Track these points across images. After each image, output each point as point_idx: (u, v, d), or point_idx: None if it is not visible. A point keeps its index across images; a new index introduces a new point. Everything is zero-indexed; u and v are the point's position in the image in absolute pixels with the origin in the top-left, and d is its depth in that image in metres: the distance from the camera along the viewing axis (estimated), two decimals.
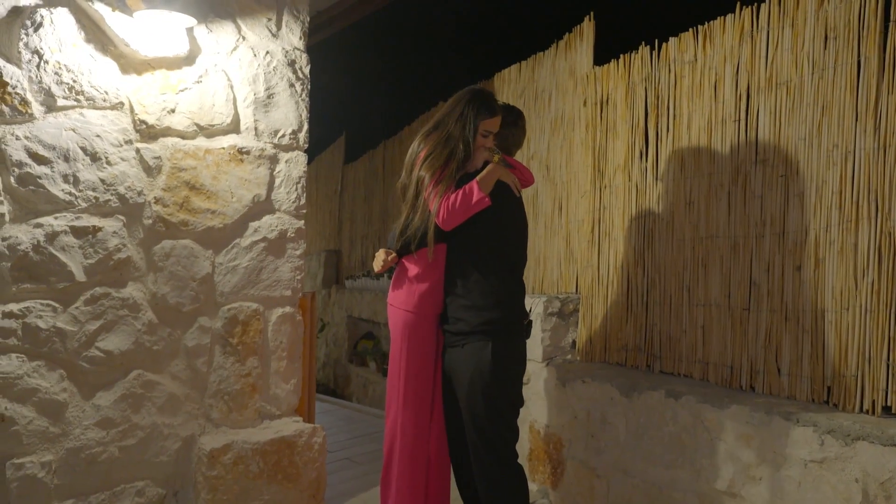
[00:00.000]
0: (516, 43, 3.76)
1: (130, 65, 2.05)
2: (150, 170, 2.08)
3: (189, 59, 2.18)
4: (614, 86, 2.88)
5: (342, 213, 6.91)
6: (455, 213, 1.96)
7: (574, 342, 2.96)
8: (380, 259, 2.16)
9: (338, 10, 4.08)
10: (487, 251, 2.02)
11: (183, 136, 2.16)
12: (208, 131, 2.22)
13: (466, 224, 1.99)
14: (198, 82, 2.19)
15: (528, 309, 2.19)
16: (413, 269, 2.12)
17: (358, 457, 3.44)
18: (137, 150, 2.06)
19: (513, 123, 2.21)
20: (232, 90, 2.28)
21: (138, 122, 2.06)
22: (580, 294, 3.00)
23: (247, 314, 2.27)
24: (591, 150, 2.98)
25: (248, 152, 2.29)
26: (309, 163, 8.28)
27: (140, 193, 2.05)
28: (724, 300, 2.32)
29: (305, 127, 2.47)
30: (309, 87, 2.50)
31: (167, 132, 2.12)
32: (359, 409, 4.66)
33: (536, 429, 2.86)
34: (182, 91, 2.15)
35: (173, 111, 2.13)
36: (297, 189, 2.43)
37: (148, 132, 2.08)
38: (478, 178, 1.99)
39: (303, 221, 2.44)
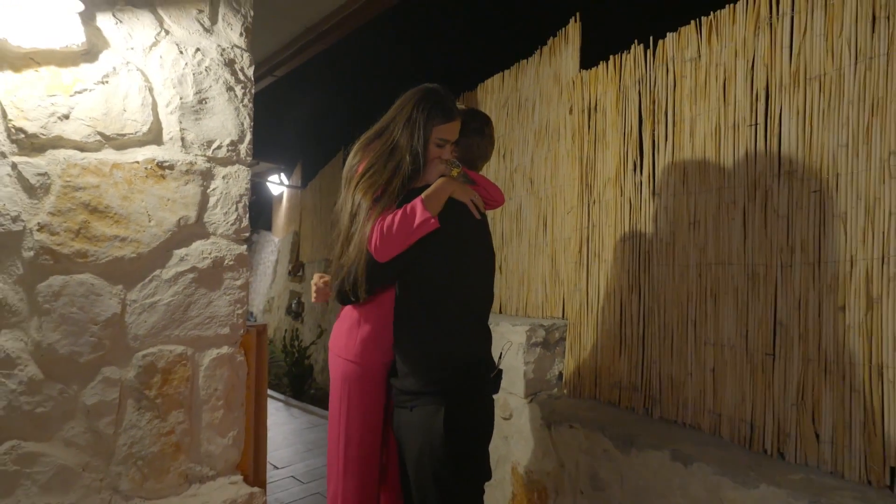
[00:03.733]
0: (501, 52, 3.14)
1: (4, 59, 1.41)
2: (33, 189, 1.45)
3: (90, 55, 1.54)
4: (603, 90, 2.25)
5: None
6: (391, 239, 1.33)
7: (561, 374, 2.32)
8: (313, 285, 1.54)
9: (325, 26, 3.49)
10: (440, 288, 1.37)
11: (81, 147, 1.53)
12: (118, 142, 1.58)
13: (413, 254, 1.34)
14: (102, 82, 1.55)
15: (499, 354, 1.53)
16: (355, 309, 1.48)
17: None
18: (13, 166, 1.42)
19: (477, 131, 1.56)
20: (151, 93, 1.65)
21: (14, 130, 1.42)
22: (567, 320, 2.36)
23: (169, 360, 1.63)
24: (577, 162, 2.36)
25: (171, 167, 1.65)
26: (312, 177, 7.62)
27: (16, 219, 1.42)
28: (741, 341, 1.67)
29: (248, 137, 1.82)
30: (252, 91, 1.86)
31: (58, 143, 1.49)
32: None
33: (519, 472, 2.21)
34: (79, 93, 1.52)
35: (66, 117, 1.50)
36: (237, 209, 1.79)
37: (29, 143, 1.45)
38: (423, 194, 1.35)
39: (244, 247, 1.80)
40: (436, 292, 1.36)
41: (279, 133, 7.90)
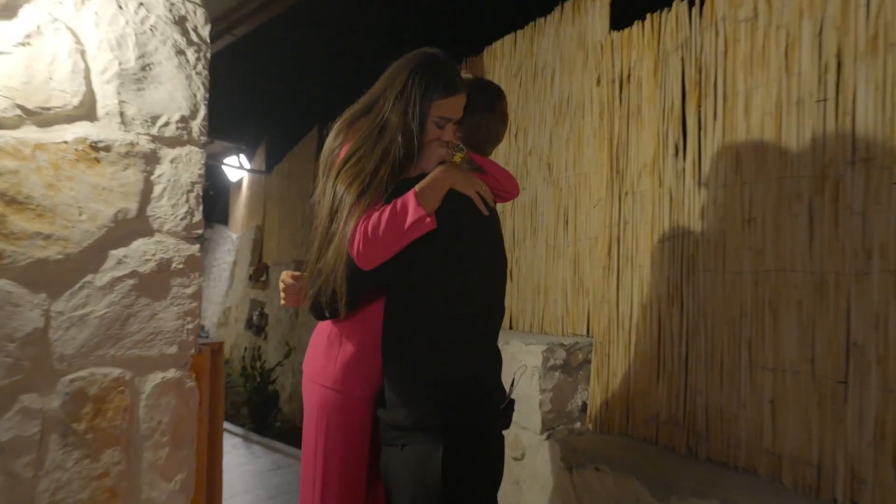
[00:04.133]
0: (511, 8, 3.16)
1: None
2: None
3: (8, 11, 1.55)
4: (638, 57, 2.28)
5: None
6: (377, 243, 1.32)
7: (584, 405, 2.33)
8: (281, 283, 1.61)
9: None
10: (438, 299, 1.38)
11: None
12: (42, 117, 1.60)
13: (404, 258, 1.34)
14: (23, 44, 1.56)
15: (510, 380, 1.54)
16: (335, 324, 1.50)
17: None
18: None
19: (486, 107, 1.57)
20: (83, 58, 1.66)
21: None
22: (593, 338, 2.38)
23: (102, 385, 1.64)
24: (606, 144, 2.39)
25: (107, 148, 1.67)
26: (279, 159, 7.67)
27: None
28: (806, 366, 1.68)
29: (202, 112, 1.84)
30: (208, 55, 1.88)
31: None
32: None
33: None
34: None
35: None
36: (188, 200, 1.80)
37: None
38: (417, 185, 1.36)
39: (197, 246, 1.81)
40: (433, 305, 1.37)
41: (239, 105, 7.91)
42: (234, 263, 9.96)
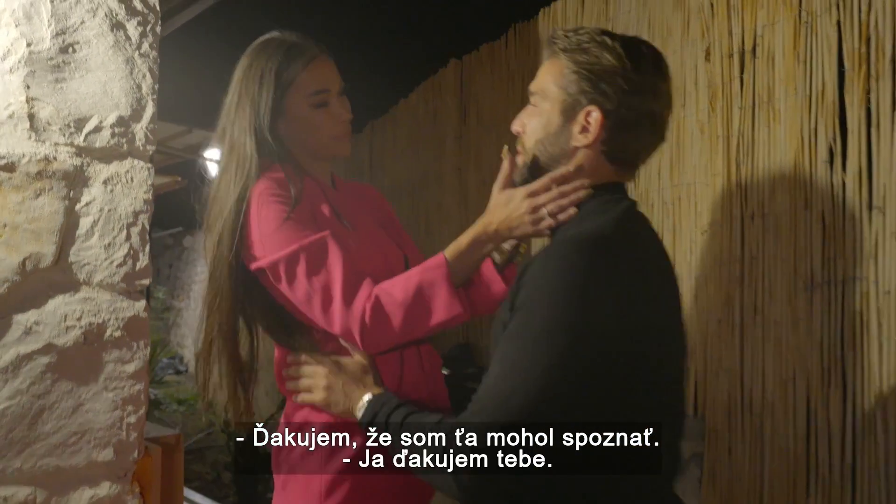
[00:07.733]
0: None
1: None
2: None
3: None
4: (770, 19, 2.15)
5: None
6: (389, 337, 1.39)
7: None
8: None
9: None
10: None
11: None
12: None
13: None
14: None
15: None
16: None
17: None
18: None
19: (649, 89, 1.21)
20: None
21: None
22: (705, 423, 2.27)
23: None
24: (721, 144, 2.27)
25: (11, 167, 1.53)
26: None
27: None
28: None
29: (150, 110, 1.79)
30: (158, 28, 1.86)
31: None
32: None
33: None
34: None
35: None
36: (129, 238, 1.74)
37: None
38: (450, 251, 1.38)
39: (143, 304, 1.72)
40: None
41: (224, 84, 7.88)
42: None
